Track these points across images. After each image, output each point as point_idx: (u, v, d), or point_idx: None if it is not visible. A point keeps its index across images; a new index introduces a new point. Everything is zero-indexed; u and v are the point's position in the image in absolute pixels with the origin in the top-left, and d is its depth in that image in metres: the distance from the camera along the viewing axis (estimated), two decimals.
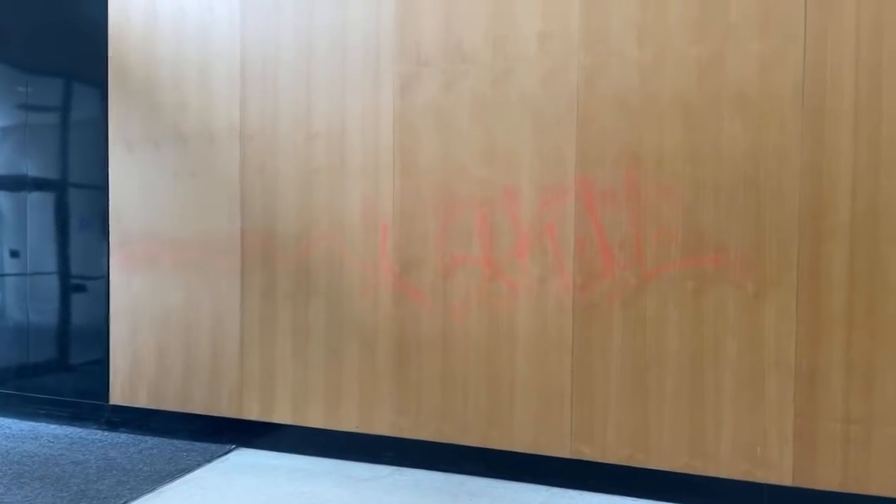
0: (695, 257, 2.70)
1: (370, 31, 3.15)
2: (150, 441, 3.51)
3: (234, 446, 3.42)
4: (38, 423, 3.80)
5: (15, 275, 3.90)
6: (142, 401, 3.62)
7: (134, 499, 2.78)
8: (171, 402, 3.56)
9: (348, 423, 3.23)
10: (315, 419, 3.29)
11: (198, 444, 3.45)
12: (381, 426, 3.17)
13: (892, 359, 2.47)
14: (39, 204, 3.85)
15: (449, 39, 3.02)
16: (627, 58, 2.77)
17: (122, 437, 3.57)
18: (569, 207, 2.87)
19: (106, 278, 3.67)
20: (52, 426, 3.75)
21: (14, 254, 3.89)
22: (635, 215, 2.78)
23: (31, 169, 3.86)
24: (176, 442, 3.49)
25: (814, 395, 2.56)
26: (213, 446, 3.41)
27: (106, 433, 3.64)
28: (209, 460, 3.24)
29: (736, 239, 2.64)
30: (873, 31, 2.47)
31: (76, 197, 3.78)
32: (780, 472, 2.61)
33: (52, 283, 3.83)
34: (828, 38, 2.52)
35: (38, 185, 3.85)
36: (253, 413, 3.40)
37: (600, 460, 2.85)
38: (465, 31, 2.99)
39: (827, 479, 2.55)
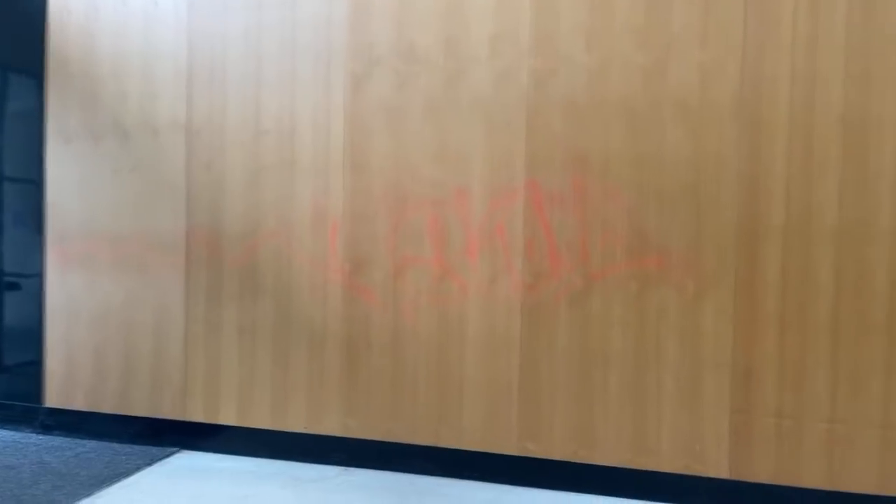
0: (638, 259, 2.78)
1: (321, 29, 3.12)
2: (87, 445, 3.39)
3: (176, 449, 3.33)
4: None
5: None
6: (78, 403, 3.49)
7: None
8: (109, 405, 3.44)
9: (296, 423, 3.20)
10: (262, 420, 3.24)
11: (138, 447, 3.35)
12: (330, 426, 3.15)
13: (822, 357, 2.60)
14: None
15: (401, 39, 3.02)
16: (576, 62, 2.83)
17: (57, 441, 3.44)
18: (518, 209, 2.91)
19: (40, 276, 3.52)
20: None
21: None
22: (582, 217, 2.84)
23: None
24: (115, 445, 3.37)
25: (749, 392, 2.68)
26: (155, 449, 3.31)
27: (40, 437, 3.50)
28: (150, 464, 3.15)
29: (677, 242, 2.74)
30: (808, 47, 2.60)
31: (9, 191, 3.61)
32: (717, 466, 2.71)
33: None
34: (765, 51, 2.64)
35: None
36: (197, 414, 3.32)
37: (547, 457, 2.90)
38: (418, 32, 3.00)
39: (761, 472, 2.67)
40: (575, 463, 2.87)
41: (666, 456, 2.76)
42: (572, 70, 2.84)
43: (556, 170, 2.87)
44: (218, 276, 3.27)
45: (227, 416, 3.28)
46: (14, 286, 3.61)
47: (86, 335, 3.47)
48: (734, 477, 2.70)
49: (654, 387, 2.78)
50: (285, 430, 3.21)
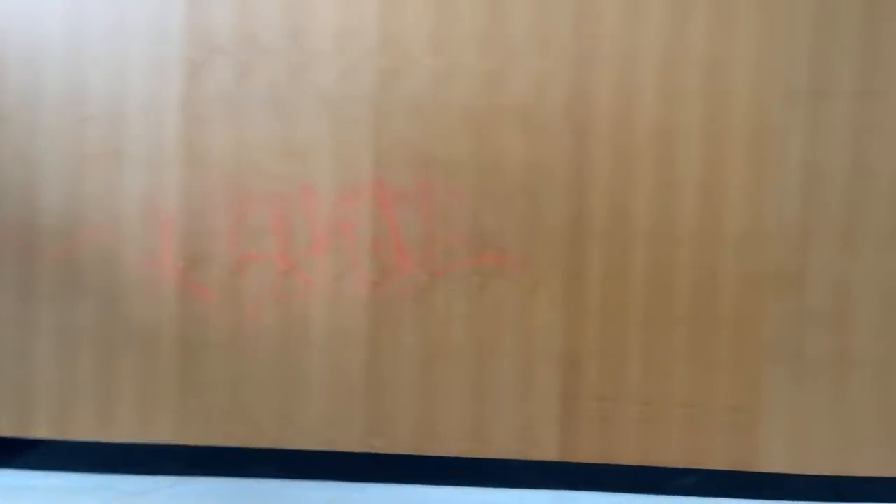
0: (479, 256, 2.91)
1: (153, 10, 2.93)
2: None
3: None
4: None
5: None
6: None
7: None
8: None
9: (124, 433, 2.97)
10: (84, 431, 2.97)
11: None
12: (163, 434, 2.96)
13: (635, 346, 2.87)
14: None
15: (243, 28, 2.92)
16: (422, 64, 2.90)
17: None
18: (365, 206, 2.93)
19: None
20: None
21: None
22: (427, 216, 2.92)
23: None
24: None
25: (576, 379, 2.89)
26: None
27: None
28: None
29: (514, 240, 2.90)
30: (627, 63, 2.85)
31: None
32: (548, 450, 2.90)
33: None
34: (591, 65, 2.86)
35: None
36: (3, 428, 2.97)
37: (391, 452, 2.93)
38: (260, 21, 2.92)
39: (586, 453, 2.89)
40: (419, 456, 2.93)
41: (502, 443, 2.91)
42: (418, 72, 2.90)
43: (402, 169, 2.92)
44: (32, 273, 2.96)
45: (42, 429, 2.97)
46: None
47: None
48: (562, 458, 2.90)
49: (492, 377, 2.91)
50: (112, 441, 2.97)
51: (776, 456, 2.86)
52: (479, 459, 2.92)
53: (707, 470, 2.87)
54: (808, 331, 2.83)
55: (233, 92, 2.92)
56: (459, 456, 2.92)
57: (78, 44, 2.94)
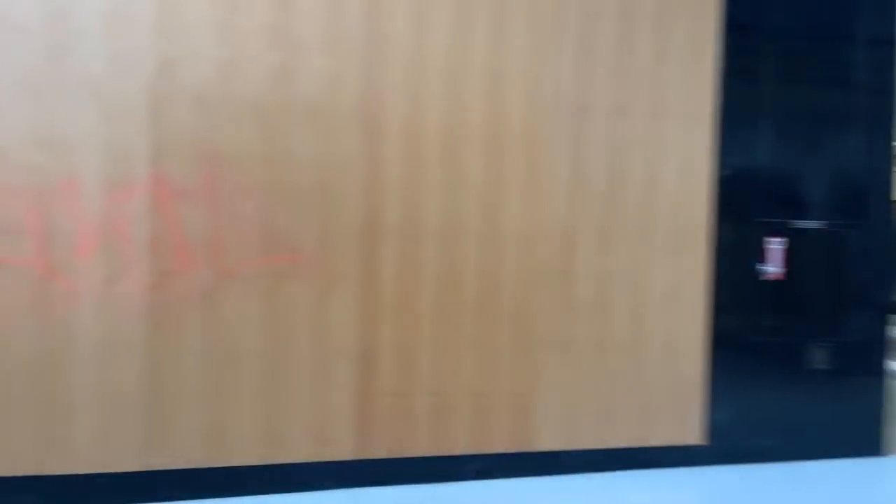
0: (272, 255, 2.82)
1: None
2: None
3: None
4: None
5: None
6: None
7: None
8: None
9: None
10: None
11: None
12: None
13: (426, 341, 2.98)
14: None
15: None
16: (205, 54, 2.74)
17: None
18: (141, 203, 2.70)
19: None
20: None
21: None
22: (214, 214, 2.77)
23: None
24: None
25: (370, 376, 2.93)
26: None
27: None
28: None
29: (308, 238, 2.85)
30: (417, 66, 2.95)
31: None
32: (343, 449, 2.91)
33: None
34: (380, 67, 2.91)
35: None
36: None
37: (173, 467, 2.74)
38: None
39: (381, 449, 2.95)
40: (205, 468, 2.77)
41: (297, 446, 2.86)
42: (202, 61, 2.74)
43: (184, 163, 2.74)
44: None
45: None
46: None
47: None
48: (357, 457, 2.92)
49: (286, 380, 2.84)
50: None
51: (551, 436, 3.14)
52: (272, 465, 2.83)
53: (493, 454, 3.07)
54: (575, 320, 3.15)
55: None
56: (251, 464, 2.81)
57: None
